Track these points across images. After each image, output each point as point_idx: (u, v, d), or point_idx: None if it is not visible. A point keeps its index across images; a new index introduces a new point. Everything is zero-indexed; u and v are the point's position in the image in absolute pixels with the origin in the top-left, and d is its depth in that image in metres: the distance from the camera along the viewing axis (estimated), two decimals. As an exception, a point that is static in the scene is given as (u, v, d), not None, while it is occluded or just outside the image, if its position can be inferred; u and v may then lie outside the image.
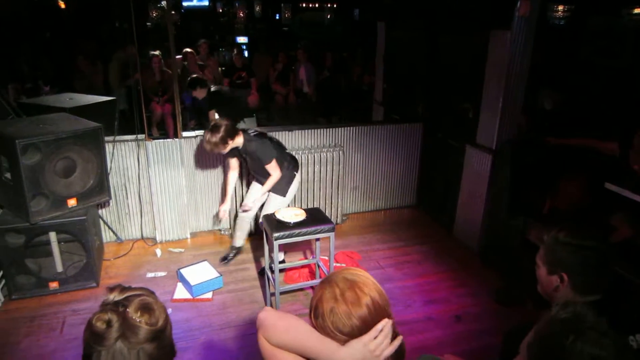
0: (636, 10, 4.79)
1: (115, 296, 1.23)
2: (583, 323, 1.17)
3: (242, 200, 4.36)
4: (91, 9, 8.76)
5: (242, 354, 3.23)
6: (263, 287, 3.92)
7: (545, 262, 1.73)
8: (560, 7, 4.22)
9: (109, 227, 4.61)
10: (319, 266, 3.77)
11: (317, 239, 3.65)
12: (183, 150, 4.49)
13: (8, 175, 3.49)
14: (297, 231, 3.28)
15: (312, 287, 3.86)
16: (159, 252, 4.51)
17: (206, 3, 11.54)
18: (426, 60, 5.32)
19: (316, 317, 1.34)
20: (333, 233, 3.38)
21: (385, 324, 1.30)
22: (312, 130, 4.98)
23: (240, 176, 4.43)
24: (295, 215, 3.37)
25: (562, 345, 1.16)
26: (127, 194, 4.57)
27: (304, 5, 12.19)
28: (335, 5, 11.56)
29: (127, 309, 1.19)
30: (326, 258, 3.93)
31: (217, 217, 4.21)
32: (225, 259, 4.31)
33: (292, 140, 4.88)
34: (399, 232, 5.02)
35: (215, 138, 3.62)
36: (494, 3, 4.08)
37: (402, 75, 5.90)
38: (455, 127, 4.84)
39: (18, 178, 3.37)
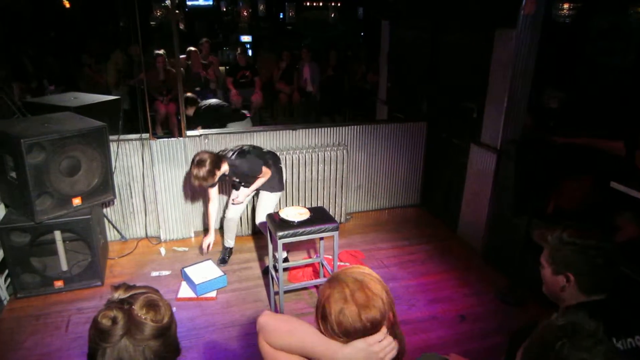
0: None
1: (120, 294, 1.24)
2: (578, 331, 1.17)
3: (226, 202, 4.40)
4: (96, 8, 8.79)
5: (245, 352, 3.24)
6: (267, 286, 3.93)
7: (550, 262, 1.72)
8: (566, 5, 4.18)
9: (114, 226, 4.62)
10: (323, 265, 3.77)
11: (321, 238, 3.65)
12: (187, 149, 4.50)
13: (13, 174, 3.51)
14: (301, 230, 3.28)
15: (316, 286, 3.87)
16: (163, 251, 4.52)
17: (210, 2, 11.55)
18: (430, 59, 5.30)
19: (323, 317, 1.32)
20: (337, 232, 3.38)
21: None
22: (316, 129, 4.98)
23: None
24: (299, 214, 3.37)
25: (552, 350, 1.16)
26: (131, 193, 4.58)
27: (308, 4, 12.18)
28: (339, 4, 11.54)
29: (133, 306, 1.19)
30: (330, 257, 3.93)
31: (200, 250, 4.22)
32: (223, 261, 4.32)
33: (296, 139, 4.88)
34: (403, 232, 5.01)
35: (203, 172, 3.61)
36: (499, 1, 4.06)
37: (406, 74, 5.89)
38: (460, 126, 4.83)
39: (23, 177, 3.38)
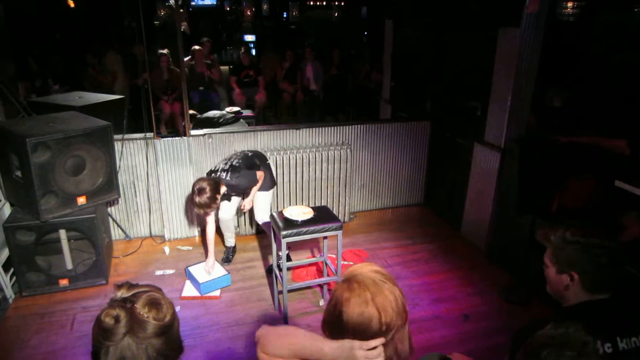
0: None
1: (123, 293, 1.24)
2: (566, 342, 1.18)
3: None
4: (100, 8, 8.81)
5: (249, 351, 3.24)
6: (271, 285, 3.93)
7: (554, 261, 1.72)
8: (570, 4, 4.17)
9: (118, 225, 4.64)
10: (326, 264, 3.77)
11: (325, 237, 3.65)
12: (191, 148, 4.51)
13: (19, 173, 3.53)
14: (304, 229, 3.29)
15: (319, 285, 3.87)
16: (167, 249, 4.53)
17: (214, 1, 11.56)
18: (434, 58, 5.30)
19: (338, 319, 1.29)
20: (341, 231, 3.38)
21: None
22: (320, 128, 4.98)
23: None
24: (303, 213, 3.38)
25: (537, 358, 1.17)
26: (135, 192, 4.60)
27: (311, 3, 12.17)
28: (342, 3, 11.54)
29: (135, 305, 1.20)
30: (334, 256, 3.93)
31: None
32: (227, 260, 4.33)
33: (299, 138, 4.89)
34: (406, 231, 5.01)
35: (205, 199, 3.62)
36: (503, 0, 4.05)
37: (410, 73, 5.89)
38: (464, 125, 4.82)
39: (28, 176, 3.40)
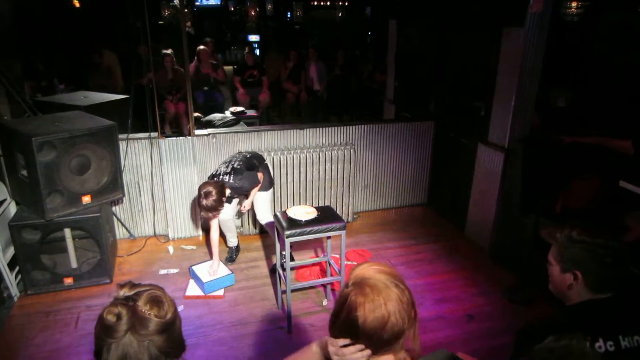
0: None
1: (125, 292, 1.26)
2: (568, 354, 1.18)
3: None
4: (105, 8, 8.83)
5: (252, 350, 3.25)
6: (274, 284, 3.94)
7: (558, 260, 1.72)
8: (574, 4, 4.17)
9: (122, 224, 4.66)
10: (330, 264, 3.78)
11: (328, 237, 3.65)
12: (195, 148, 4.52)
13: (24, 172, 3.55)
14: (308, 229, 3.29)
15: (323, 285, 3.87)
16: (171, 249, 4.55)
17: (218, 1, 11.57)
18: (438, 58, 5.30)
19: (350, 324, 1.27)
20: (344, 231, 3.38)
21: (362, 349, 1.30)
22: (324, 128, 4.99)
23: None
24: (306, 213, 3.38)
25: None
26: (140, 191, 4.61)
27: (315, 3, 12.17)
28: (346, 4, 11.54)
29: (137, 302, 1.22)
30: (337, 256, 3.94)
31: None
32: (231, 260, 4.34)
33: (303, 138, 4.89)
34: (410, 231, 5.01)
35: (212, 202, 3.62)
36: (507, 0, 4.05)
37: (414, 73, 5.88)
38: (467, 125, 4.82)
39: (34, 175, 3.42)
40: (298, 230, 3.27)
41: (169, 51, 6.95)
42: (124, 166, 4.32)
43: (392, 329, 1.26)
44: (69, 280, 3.85)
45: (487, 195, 4.50)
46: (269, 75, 8.26)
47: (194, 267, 4.02)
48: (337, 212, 3.98)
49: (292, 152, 4.68)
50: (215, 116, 5.97)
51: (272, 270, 4.13)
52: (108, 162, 3.84)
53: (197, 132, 4.58)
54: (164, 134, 4.52)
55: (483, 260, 4.45)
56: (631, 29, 4.83)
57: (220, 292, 3.87)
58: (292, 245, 3.34)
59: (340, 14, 10.92)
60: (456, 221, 5.07)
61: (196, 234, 4.80)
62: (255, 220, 4.78)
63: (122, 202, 4.58)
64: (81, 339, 3.29)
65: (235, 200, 4.17)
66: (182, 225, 4.72)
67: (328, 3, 12.16)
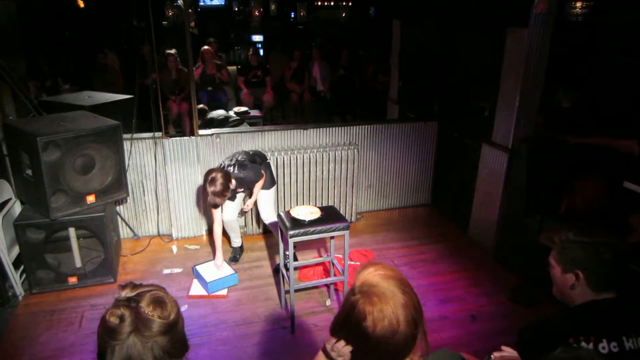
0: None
1: (127, 293, 1.26)
2: None
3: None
4: (109, 8, 8.86)
5: (256, 350, 3.26)
6: (277, 284, 3.95)
7: (559, 261, 1.73)
8: (579, 4, 4.15)
9: (127, 224, 4.67)
10: (333, 264, 3.78)
11: (332, 237, 3.66)
12: (199, 148, 4.53)
13: (29, 171, 3.57)
14: (312, 229, 3.29)
15: (326, 285, 3.88)
16: (175, 248, 4.56)
17: (222, 2, 11.58)
18: (442, 58, 5.29)
19: (359, 332, 1.25)
20: (348, 231, 3.39)
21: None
22: (327, 128, 4.99)
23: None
24: (310, 213, 3.38)
25: None
26: (144, 191, 4.63)
27: (319, 3, 12.18)
28: (350, 4, 11.53)
29: (140, 304, 1.22)
30: (340, 256, 3.93)
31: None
32: (234, 259, 4.35)
33: (306, 138, 4.90)
34: (413, 231, 5.01)
35: (219, 187, 3.61)
36: (511, 0, 4.04)
37: (418, 74, 5.88)
38: (471, 126, 4.81)
39: (39, 174, 3.43)
40: (301, 230, 3.27)
41: (172, 51, 6.97)
42: (128, 166, 4.33)
43: (404, 336, 1.24)
44: (73, 280, 3.86)
45: (491, 196, 4.49)
46: (272, 75, 8.26)
47: (197, 267, 4.03)
48: (341, 212, 3.98)
49: (295, 152, 4.69)
50: (219, 113, 5.99)
51: (276, 270, 4.14)
52: (112, 161, 3.85)
53: (201, 132, 4.59)
54: (167, 134, 4.53)
55: (487, 260, 4.44)
56: (636, 29, 4.81)
57: (224, 292, 3.87)
58: (295, 245, 3.34)
59: (344, 14, 10.91)
60: (460, 221, 5.06)
61: (200, 233, 4.80)
62: (259, 220, 4.79)
63: (126, 201, 4.59)
64: (85, 338, 3.31)
65: (239, 198, 4.17)
66: (185, 225, 4.73)
67: (332, 3, 12.16)
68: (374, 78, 8.54)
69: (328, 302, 3.77)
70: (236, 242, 4.39)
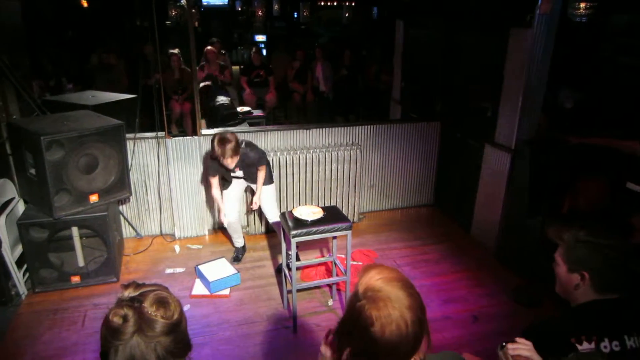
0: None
1: (130, 293, 1.26)
2: None
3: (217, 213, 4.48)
4: (113, 8, 8.88)
5: (258, 349, 3.26)
6: (280, 284, 3.95)
7: (565, 260, 1.72)
8: (583, 4, 4.14)
9: (129, 223, 4.68)
10: (335, 264, 3.78)
11: (334, 237, 3.66)
12: (202, 147, 4.54)
13: (33, 171, 3.58)
14: (314, 229, 3.30)
15: (328, 285, 3.88)
16: (177, 248, 4.57)
17: (225, 1, 11.59)
18: (444, 59, 5.29)
19: (368, 338, 1.24)
20: (350, 231, 3.39)
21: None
22: (330, 128, 4.99)
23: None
24: (312, 213, 3.39)
25: None
26: (147, 190, 4.64)
27: (322, 3, 12.17)
28: (353, 4, 11.52)
29: (143, 304, 1.21)
30: (343, 256, 3.94)
31: (220, 223, 4.11)
32: (237, 259, 4.36)
33: (309, 138, 4.90)
34: (416, 231, 5.01)
35: (232, 146, 3.60)
36: (515, 0, 4.04)
37: (420, 74, 5.88)
38: (474, 126, 4.81)
39: (42, 174, 3.44)
40: (304, 230, 3.27)
41: (175, 51, 6.98)
42: (131, 165, 4.34)
43: (412, 338, 1.24)
44: (76, 279, 3.87)
45: (494, 196, 4.49)
46: (275, 75, 8.27)
47: (200, 267, 4.03)
48: (343, 212, 3.98)
49: (298, 152, 4.69)
50: (222, 99, 5.96)
51: (278, 270, 4.14)
52: (115, 161, 3.86)
53: (204, 131, 4.59)
54: (170, 134, 4.54)
55: (489, 261, 4.44)
56: (638, 30, 4.80)
57: (226, 292, 3.88)
58: (298, 245, 3.34)
59: (347, 14, 10.90)
60: (462, 222, 5.05)
61: (202, 233, 4.81)
62: (261, 220, 4.80)
63: (129, 201, 4.60)
64: (88, 337, 3.31)
65: (240, 196, 4.14)
66: (188, 225, 4.74)
67: (335, 3, 12.15)
68: (377, 78, 8.54)
69: (330, 302, 3.78)
70: (239, 242, 4.40)
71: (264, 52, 10.49)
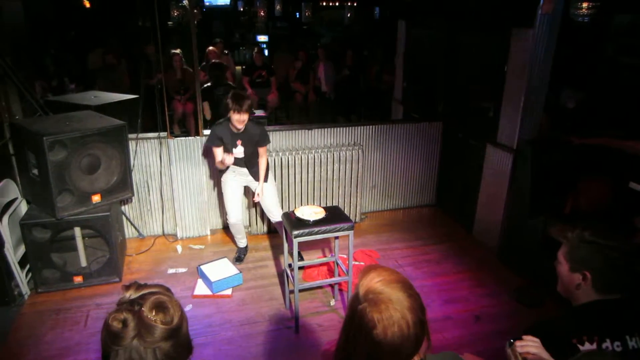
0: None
1: (131, 294, 1.25)
2: None
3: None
4: (115, 8, 8.90)
5: (260, 349, 3.26)
6: (282, 284, 3.95)
7: (568, 259, 1.72)
8: (585, 4, 4.14)
9: (132, 223, 4.69)
10: (337, 264, 3.78)
11: (336, 237, 3.66)
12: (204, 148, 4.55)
13: (35, 171, 3.59)
14: (316, 229, 3.30)
15: (330, 285, 3.88)
16: (179, 248, 4.57)
17: (227, 2, 11.61)
18: (446, 59, 5.28)
19: (371, 340, 1.24)
20: (352, 231, 3.39)
21: None
22: (332, 128, 4.99)
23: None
24: (314, 213, 3.39)
25: None
26: (149, 190, 4.64)
27: (324, 3, 12.18)
28: (355, 4, 11.52)
29: (142, 308, 1.20)
30: (345, 256, 3.94)
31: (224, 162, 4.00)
32: (239, 259, 4.36)
33: (311, 138, 4.90)
34: (417, 231, 5.01)
35: (248, 102, 3.65)
36: (516, 0, 4.03)
37: (422, 74, 5.88)
38: (476, 126, 4.81)
39: (45, 174, 3.45)
40: (306, 230, 3.28)
41: (177, 51, 6.99)
42: (134, 166, 4.35)
43: (413, 338, 1.25)
44: (78, 279, 3.88)
45: (496, 196, 4.48)
46: (277, 75, 8.27)
47: (202, 267, 4.04)
48: (345, 212, 3.98)
49: (300, 152, 4.69)
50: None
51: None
52: (118, 161, 3.87)
53: (206, 132, 4.59)
54: (173, 134, 4.55)
55: (491, 261, 4.44)
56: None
57: (228, 292, 3.88)
58: (300, 245, 3.34)
59: (349, 15, 10.90)
60: (464, 222, 5.05)
61: (204, 233, 4.82)
62: (263, 220, 4.80)
63: (131, 201, 4.61)
64: (91, 337, 3.32)
65: (240, 192, 4.13)
66: (190, 225, 4.75)
67: (337, 3, 12.15)
68: (379, 78, 8.54)
69: (332, 302, 3.78)
70: (242, 242, 4.40)
71: (266, 52, 10.50)
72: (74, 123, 3.67)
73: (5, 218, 3.63)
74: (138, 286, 1.27)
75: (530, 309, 3.70)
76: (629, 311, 1.64)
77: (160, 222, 4.77)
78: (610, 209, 3.54)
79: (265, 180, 4.06)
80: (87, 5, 8.94)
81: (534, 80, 3.98)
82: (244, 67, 8.79)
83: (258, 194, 4.03)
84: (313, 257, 4.27)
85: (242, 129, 3.80)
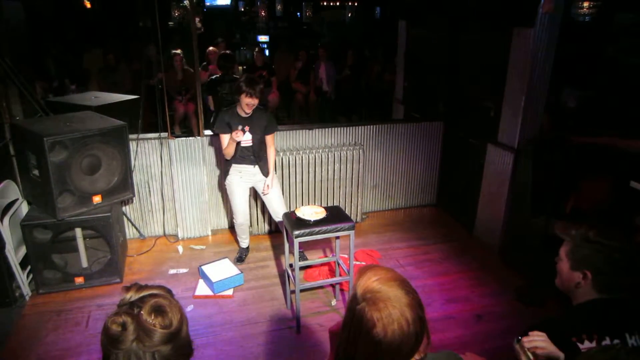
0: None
1: (132, 295, 1.24)
2: None
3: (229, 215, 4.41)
4: (116, 9, 8.91)
5: (261, 350, 3.26)
6: (283, 284, 3.95)
7: (570, 257, 1.72)
8: (586, 4, 4.14)
9: (132, 224, 4.69)
10: (338, 264, 3.78)
11: (337, 237, 3.66)
12: (205, 148, 4.55)
13: (36, 172, 3.58)
14: (317, 229, 3.30)
15: (332, 285, 3.88)
16: (180, 248, 4.57)
17: (228, 2, 11.61)
18: (447, 59, 5.28)
19: (371, 339, 1.23)
20: (353, 231, 3.39)
21: None
22: (332, 128, 4.99)
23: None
24: (315, 213, 3.39)
25: None
26: (150, 191, 4.64)
27: (325, 3, 12.18)
28: (356, 4, 11.53)
29: (141, 311, 1.20)
30: (346, 256, 3.94)
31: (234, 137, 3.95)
32: (240, 260, 4.36)
33: (312, 138, 4.90)
34: (419, 231, 5.00)
35: (259, 86, 3.69)
36: (517, 0, 4.03)
37: (423, 74, 5.87)
38: (477, 126, 4.80)
39: (45, 175, 3.45)
40: (307, 230, 3.27)
41: (178, 51, 6.99)
42: (134, 166, 4.35)
43: (413, 336, 1.24)
44: (79, 280, 3.88)
45: (497, 196, 4.48)
46: (278, 75, 8.26)
47: (203, 267, 4.04)
48: (346, 212, 3.97)
49: (301, 152, 4.69)
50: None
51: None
52: (118, 162, 3.86)
53: (207, 132, 4.60)
54: (173, 134, 4.55)
55: (492, 260, 4.43)
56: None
57: (230, 292, 3.88)
58: (301, 245, 3.34)
59: (349, 14, 10.90)
60: (465, 221, 5.05)
61: (205, 233, 4.82)
62: (264, 220, 4.80)
63: (132, 202, 4.61)
64: (92, 338, 3.32)
65: (246, 193, 4.12)
66: (191, 225, 4.75)
67: (337, 3, 12.16)
68: (379, 78, 8.54)
69: (333, 302, 3.78)
70: (244, 243, 4.40)
71: (267, 52, 10.50)
72: (74, 124, 3.66)
73: (6, 219, 3.63)
74: (139, 287, 1.27)
75: (531, 308, 3.69)
76: (629, 310, 1.64)
77: (161, 223, 4.77)
78: (611, 208, 3.53)
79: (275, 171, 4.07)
80: (88, 5, 8.96)
81: (534, 79, 3.98)
82: (244, 67, 8.79)
83: (268, 186, 4.02)
84: (314, 257, 4.26)
85: (250, 114, 3.82)
